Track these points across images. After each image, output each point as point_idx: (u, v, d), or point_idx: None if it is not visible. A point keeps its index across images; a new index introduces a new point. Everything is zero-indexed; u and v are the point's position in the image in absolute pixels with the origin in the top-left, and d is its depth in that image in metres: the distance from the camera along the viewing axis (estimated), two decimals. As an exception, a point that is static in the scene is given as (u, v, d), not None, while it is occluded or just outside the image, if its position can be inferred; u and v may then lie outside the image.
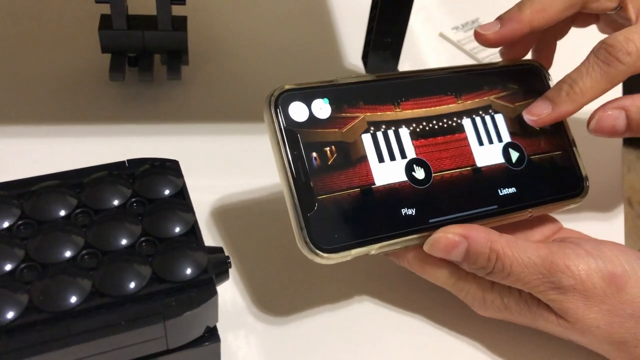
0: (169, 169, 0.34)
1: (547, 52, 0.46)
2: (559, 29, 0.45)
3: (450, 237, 0.35)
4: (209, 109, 0.51)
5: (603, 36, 0.41)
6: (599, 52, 0.38)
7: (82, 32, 0.54)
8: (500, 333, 0.39)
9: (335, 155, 0.35)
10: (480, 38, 0.41)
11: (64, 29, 0.55)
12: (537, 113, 0.39)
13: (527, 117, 0.40)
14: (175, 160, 0.35)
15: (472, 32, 0.61)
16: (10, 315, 0.28)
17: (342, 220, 0.34)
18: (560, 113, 0.39)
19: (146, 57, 0.50)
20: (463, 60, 0.59)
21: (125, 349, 0.30)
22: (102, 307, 0.29)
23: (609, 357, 0.37)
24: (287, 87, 0.35)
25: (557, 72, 0.42)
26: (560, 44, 0.46)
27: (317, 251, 0.33)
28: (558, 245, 0.36)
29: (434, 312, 0.40)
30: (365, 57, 0.53)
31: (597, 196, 0.48)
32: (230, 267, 0.34)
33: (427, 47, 0.60)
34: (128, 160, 0.35)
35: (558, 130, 0.41)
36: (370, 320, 0.40)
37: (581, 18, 0.45)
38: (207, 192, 0.45)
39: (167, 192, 0.33)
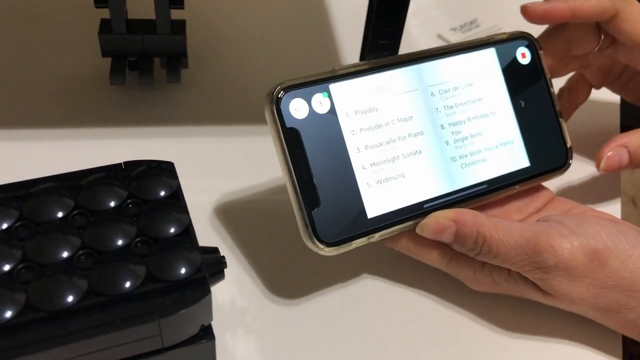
0: (164, 170, 0.35)
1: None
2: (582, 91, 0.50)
3: (440, 221, 0.37)
4: (209, 111, 0.52)
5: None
6: None
7: (83, 37, 0.55)
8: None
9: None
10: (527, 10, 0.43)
11: (64, 33, 0.56)
12: (532, 3, 0.43)
13: (523, 7, 0.43)
14: (170, 162, 0.36)
15: (470, 33, 0.61)
16: (7, 314, 0.29)
17: (345, 214, 0.36)
18: (553, 5, 0.42)
19: (146, 61, 0.51)
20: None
21: (121, 347, 0.30)
22: (98, 306, 0.30)
23: (596, 321, 0.39)
24: (286, 83, 0.35)
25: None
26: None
27: (322, 246, 0.35)
28: (542, 226, 0.37)
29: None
30: (362, 59, 0.54)
31: (593, 195, 0.48)
32: (225, 267, 0.34)
33: (425, 48, 0.60)
34: (125, 163, 0.35)
35: (546, 103, 0.43)
36: (371, 318, 0.40)
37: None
38: (208, 193, 0.46)
39: (162, 193, 0.34)
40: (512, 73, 0.42)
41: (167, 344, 0.32)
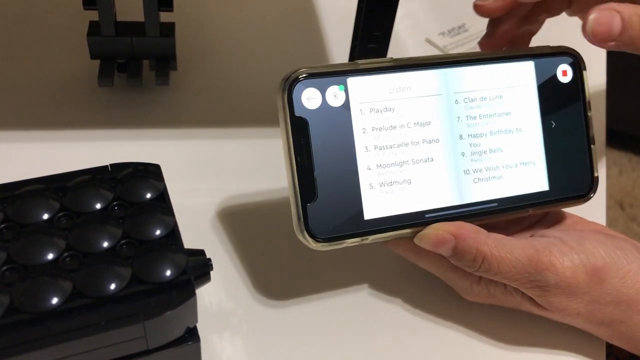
0: (150, 173, 0.35)
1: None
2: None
3: (439, 234, 0.36)
4: (197, 114, 0.52)
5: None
6: None
7: (71, 39, 0.55)
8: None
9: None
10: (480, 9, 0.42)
11: (53, 35, 0.56)
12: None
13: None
14: (156, 165, 0.36)
15: (458, 37, 0.61)
16: (-9, 316, 0.29)
17: (341, 212, 0.35)
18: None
19: (135, 63, 0.51)
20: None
21: (105, 348, 0.30)
22: (83, 308, 0.30)
23: (589, 332, 0.39)
24: (303, 71, 0.34)
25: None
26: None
27: (312, 240, 0.34)
28: (543, 243, 0.37)
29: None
30: (351, 63, 0.54)
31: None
32: (211, 269, 0.34)
33: (413, 52, 0.60)
34: (111, 165, 0.35)
35: (579, 126, 0.40)
36: (359, 321, 0.40)
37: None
38: (195, 196, 0.46)
39: (148, 195, 0.34)
40: (548, 90, 0.39)
41: (152, 345, 0.32)
